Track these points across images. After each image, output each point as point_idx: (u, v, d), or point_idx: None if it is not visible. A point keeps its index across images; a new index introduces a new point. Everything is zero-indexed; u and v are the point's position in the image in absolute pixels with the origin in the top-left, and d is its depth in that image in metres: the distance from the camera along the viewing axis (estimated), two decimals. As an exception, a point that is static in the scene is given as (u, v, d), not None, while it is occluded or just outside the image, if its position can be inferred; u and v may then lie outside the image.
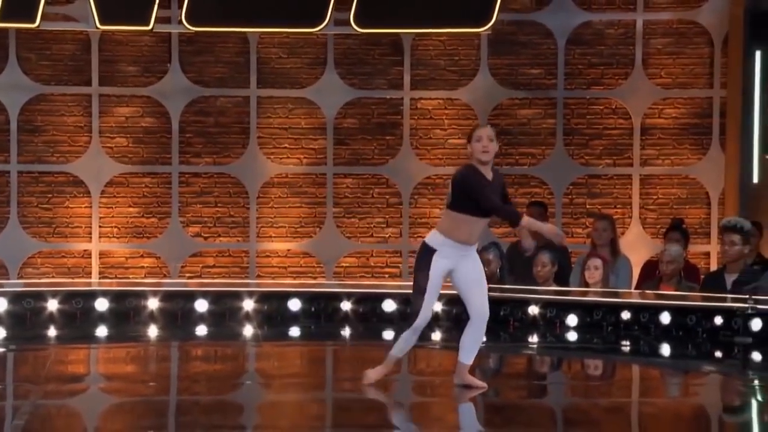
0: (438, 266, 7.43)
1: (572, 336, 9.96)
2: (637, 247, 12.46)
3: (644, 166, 12.83)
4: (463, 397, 7.62)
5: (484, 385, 7.60)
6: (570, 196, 12.86)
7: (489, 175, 7.42)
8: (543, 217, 11.93)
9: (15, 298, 10.19)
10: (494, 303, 10.11)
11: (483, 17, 12.35)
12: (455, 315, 10.34)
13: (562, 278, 10.85)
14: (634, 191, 12.81)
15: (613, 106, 12.87)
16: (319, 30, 12.31)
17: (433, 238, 7.47)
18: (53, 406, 7.31)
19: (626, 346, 9.72)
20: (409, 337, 7.56)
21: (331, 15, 12.17)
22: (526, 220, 7.37)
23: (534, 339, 9.95)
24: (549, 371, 9.16)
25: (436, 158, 12.93)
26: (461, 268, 7.48)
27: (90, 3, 11.85)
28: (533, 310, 10.17)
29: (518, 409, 7.51)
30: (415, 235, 12.85)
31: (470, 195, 7.31)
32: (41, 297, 10.18)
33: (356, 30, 12.31)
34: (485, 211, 7.37)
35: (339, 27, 12.38)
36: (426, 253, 7.45)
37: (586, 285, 10.52)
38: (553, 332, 10.04)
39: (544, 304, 10.14)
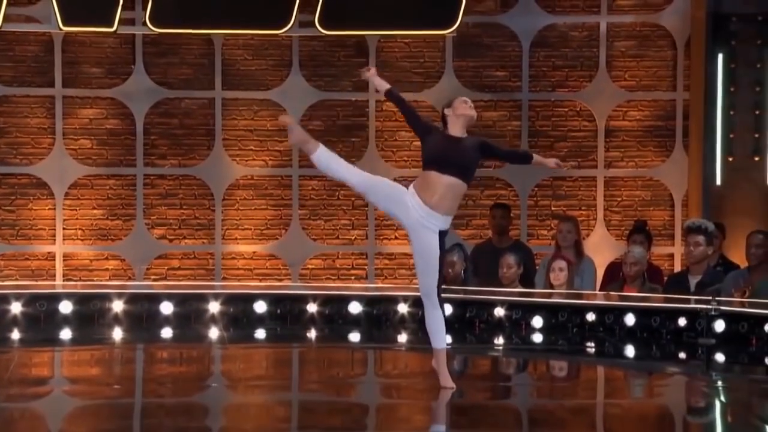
0: (399, 190, 7.50)
1: (537, 337, 9.99)
2: (602, 248, 12.52)
3: (608, 168, 12.90)
4: (429, 398, 7.63)
5: (453, 385, 7.57)
6: (535, 198, 12.91)
7: (464, 134, 7.58)
8: (507, 220, 11.98)
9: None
10: (459, 305, 10.24)
11: (448, 19, 12.37)
12: (421, 317, 10.36)
13: (527, 280, 10.89)
14: (599, 193, 12.87)
15: (578, 109, 12.93)
16: (284, 32, 12.29)
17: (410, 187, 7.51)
18: (16, 409, 7.27)
19: (591, 347, 9.76)
20: (340, 161, 7.76)
21: (296, 17, 12.15)
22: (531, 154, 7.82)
23: (500, 340, 9.98)
24: (514, 372, 9.19)
25: (401, 160, 12.95)
26: (418, 238, 7.47)
27: (53, 4, 11.79)
28: (499, 311, 10.20)
29: (484, 410, 7.53)
30: (381, 237, 12.86)
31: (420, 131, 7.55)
32: (5, 300, 10.11)
33: (321, 32, 12.31)
34: (450, 162, 7.38)
35: (304, 29, 12.38)
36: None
37: (551, 287, 10.56)
38: (518, 334, 10.07)
39: (510, 306, 10.17)
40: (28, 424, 7.00)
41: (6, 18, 11.71)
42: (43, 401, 7.52)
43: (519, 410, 7.68)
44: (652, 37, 12.85)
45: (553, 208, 12.88)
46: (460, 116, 7.63)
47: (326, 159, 7.56)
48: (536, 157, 7.73)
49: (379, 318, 10.39)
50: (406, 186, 7.60)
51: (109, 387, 8.05)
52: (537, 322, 10.09)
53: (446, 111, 7.70)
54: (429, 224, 7.45)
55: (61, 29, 11.94)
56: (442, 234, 7.52)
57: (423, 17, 12.40)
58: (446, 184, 7.42)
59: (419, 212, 7.42)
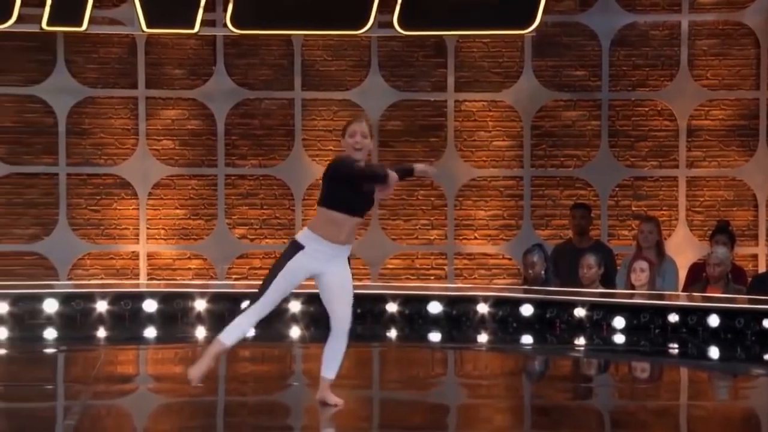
0: (299, 262, 6.98)
1: (619, 338, 9.93)
2: (684, 249, 12.40)
3: (690, 167, 12.77)
4: (510, 399, 7.62)
5: (341, 401, 7.21)
6: (616, 198, 12.82)
7: None
8: (587, 220, 11.92)
9: (65, 299, 10.29)
10: (540, 305, 10.20)
11: (527, 19, 12.33)
12: (501, 317, 10.36)
13: (607, 280, 10.82)
14: (681, 193, 12.74)
15: (659, 108, 12.82)
16: (363, 32, 12.34)
17: (303, 234, 7.08)
18: (103, 406, 7.38)
19: (674, 348, 9.68)
20: (241, 323, 7.04)
21: (374, 17, 12.19)
22: (393, 175, 6.92)
23: (581, 341, 9.93)
24: (596, 373, 9.14)
25: (480, 160, 12.93)
26: (328, 272, 7.09)
27: (136, 6, 11.94)
28: (579, 312, 10.15)
29: (565, 411, 7.50)
30: (460, 237, 12.85)
31: (344, 177, 6.92)
32: (90, 298, 10.28)
33: (400, 32, 12.33)
34: (354, 204, 7.03)
35: (383, 29, 12.41)
36: (291, 248, 7.04)
37: (632, 287, 10.48)
38: (599, 334, 10.01)
39: (591, 307, 10.11)
40: (114, 421, 7.09)
41: (91, 20, 11.88)
42: (129, 399, 7.63)
43: (600, 412, 7.63)
44: (734, 35, 12.70)
45: (634, 208, 12.78)
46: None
47: (235, 336, 7.13)
48: (393, 176, 6.97)
49: (459, 318, 10.40)
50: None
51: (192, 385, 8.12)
52: (618, 322, 10.03)
53: (342, 142, 7.19)
54: (338, 254, 7.13)
55: (144, 31, 12.08)
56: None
57: (502, 17, 12.37)
58: (349, 222, 7.09)
59: (328, 251, 7.05)
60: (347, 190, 7.00)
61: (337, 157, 7.17)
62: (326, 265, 7.09)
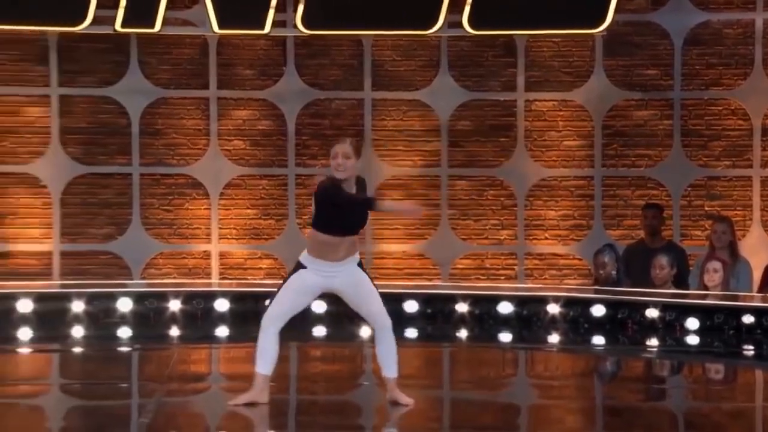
0: (303, 278, 7.11)
1: (692, 340, 9.83)
2: (758, 250, 12.25)
3: (765, 167, 12.61)
4: (581, 400, 7.58)
5: (411, 400, 7.24)
6: (688, 198, 12.70)
7: (352, 189, 7.15)
8: (659, 220, 11.83)
9: (138, 298, 10.41)
10: (611, 305, 10.14)
11: (598, 18, 12.26)
12: (572, 318, 10.31)
13: (680, 281, 10.73)
14: (755, 193, 12.59)
15: (732, 107, 12.68)
16: (433, 32, 12.34)
17: (303, 256, 7.21)
18: (176, 404, 7.45)
19: (749, 350, 9.57)
20: (263, 345, 7.24)
21: (444, 17, 12.19)
22: (387, 203, 7.15)
23: (653, 342, 9.85)
24: (669, 375, 9.06)
25: (551, 160, 12.87)
26: (341, 284, 7.17)
27: (208, 8, 12.04)
28: (652, 313, 10.07)
29: (638, 412, 7.45)
30: (531, 237, 12.80)
31: (331, 202, 7.02)
32: (163, 297, 10.38)
33: (469, 32, 12.31)
34: (345, 225, 7.09)
35: (452, 29, 12.40)
36: (295, 267, 7.21)
37: (705, 288, 10.38)
38: (672, 335, 9.93)
39: (663, 307, 10.03)
40: (187, 419, 7.16)
41: (164, 21, 12.00)
42: (202, 397, 7.69)
43: (674, 413, 7.57)
44: (809, 33, 12.54)
45: (707, 208, 12.65)
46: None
47: (267, 361, 7.27)
48: (387, 204, 7.44)
49: (530, 318, 10.37)
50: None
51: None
52: (692, 323, 9.93)
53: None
54: (344, 268, 7.21)
55: (215, 32, 12.18)
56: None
57: (572, 16, 12.31)
58: (344, 242, 7.18)
59: (330, 269, 7.16)
60: (337, 213, 7.05)
61: (321, 182, 7.18)
62: (335, 280, 7.19)
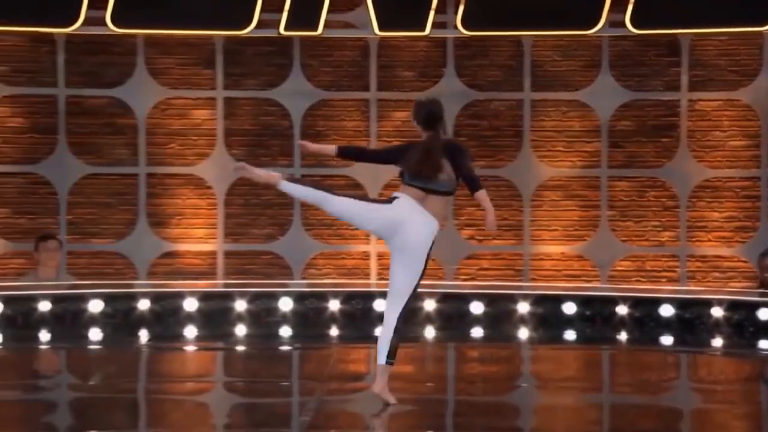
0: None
1: None
2: None
3: None
4: (747, 405, 7.42)
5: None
6: None
7: None
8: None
9: (299, 298, 10.56)
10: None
11: (765, 15, 11.96)
12: (736, 321, 10.09)
13: None
14: None
15: None
16: (594, 32, 12.21)
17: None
18: (336, 403, 7.55)
19: None
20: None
21: (606, 17, 12.05)
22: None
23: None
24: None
25: (715, 161, 12.61)
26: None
27: (369, 10, 12.15)
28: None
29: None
30: (693, 239, 12.57)
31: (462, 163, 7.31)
32: (323, 297, 10.52)
33: (632, 31, 12.15)
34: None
35: (614, 29, 12.26)
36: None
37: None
38: None
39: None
40: (347, 419, 7.24)
41: (326, 24, 12.15)
42: (361, 396, 7.76)
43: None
44: None
45: None
46: None
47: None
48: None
49: (692, 321, 10.18)
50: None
51: (422, 384, 8.23)
52: None
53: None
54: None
55: (376, 34, 12.28)
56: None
57: (739, 13, 12.04)
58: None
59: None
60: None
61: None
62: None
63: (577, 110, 12.80)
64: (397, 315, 7.18)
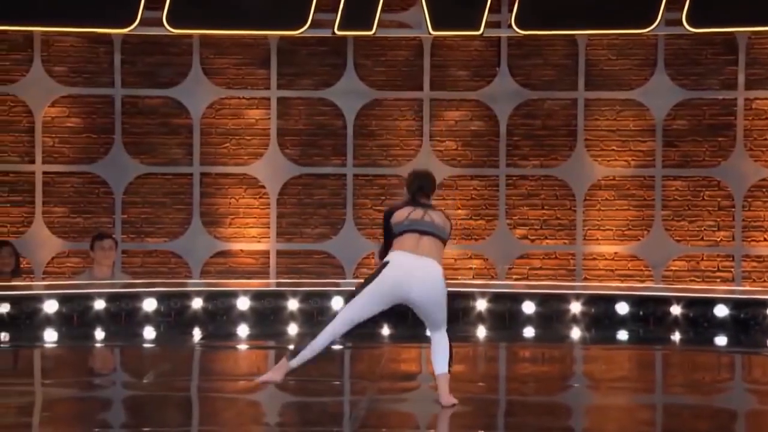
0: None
1: None
2: None
3: None
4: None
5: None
6: None
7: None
8: None
9: (351, 297, 10.55)
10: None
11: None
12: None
13: None
14: None
15: None
16: (650, 30, 12.14)
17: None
18: (388, 402, 7.56)
19: None
20: None
21: (662, 15, 11.97)
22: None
23: None
24: None
25: (772, 160, 12.52)
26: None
27: (424, 9, 12.15)
28: None
29: None
30: (749, 239, 12.47)
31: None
32: (375, 296, 10.49)
33: (689, 30, 12.06)
34: None
35: (670, 27, 12.17)
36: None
37: None
38: None
39: None
40: (398, 418, 7.26)
41: (380, 24, 12.18)
42: (412, 396, 7.78)
43: None
44: None
45: None
46: None
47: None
48: None
49: (747, 322, 10.10)
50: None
51: (474, 384, 8.22)
52: None
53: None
54: None
55: (430, 33, 12.29)
56: None
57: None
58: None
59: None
60: None
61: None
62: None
63: (632, 109, 12.74)
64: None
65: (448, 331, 7.25)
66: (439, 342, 7.21)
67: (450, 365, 7.18)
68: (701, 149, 12.66)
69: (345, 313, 7.22)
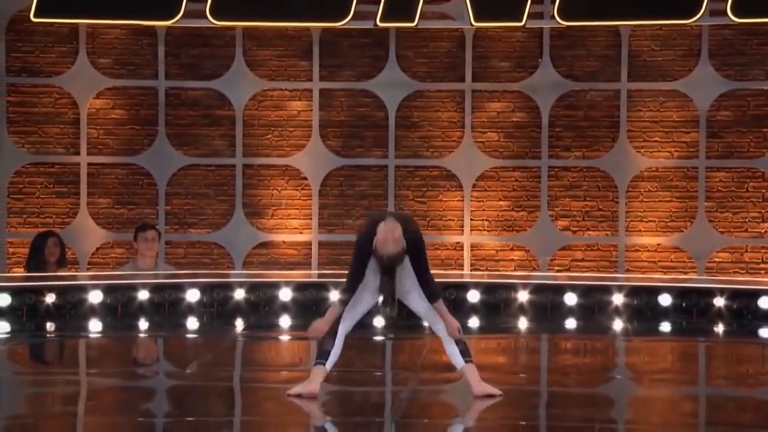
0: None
1: None
2: None
3: None
4: None
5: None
6: None
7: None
8: None
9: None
10: None
11: None
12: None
13: None
14: None
15: None
16: (694, 21, 12.06)
17: None
18: (429, 393, 7.58)
19: None
20: None
21: (706, 5, 11.89)
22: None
23: None
24: None
25: (816, 151, 12.41)
26: None
27: (466, 1, 12.13)
28: None
29: None
30: (793, 231, 12.39)
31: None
32: (417, 288, 10.51)
33: (733, 20, 11.97)
34: None
35: (714, 17, 12.09)
36: None
37: None
38: None
39: None
40: (439, 408, 7.28)
41: (422, 15, 12.17)
42: (453, 386, 7.78)
43: None
44: None
45: None
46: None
47: (331, 361, 7.20)
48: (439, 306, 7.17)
49: (792, 314, 10.03)
50: None
51: (515, 375, 8.22)
52: None
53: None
54: None
55: (472, 25, 12.27)
56: None
57: None
58: None
59: None
60: None
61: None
62: None
63: (675, 100, 12.67)
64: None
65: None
66: (443, 337, 7.20)
67: (467, 354, 7.14)
68: (745, 140, 12.58)
69: (349, 309, 7.43)
